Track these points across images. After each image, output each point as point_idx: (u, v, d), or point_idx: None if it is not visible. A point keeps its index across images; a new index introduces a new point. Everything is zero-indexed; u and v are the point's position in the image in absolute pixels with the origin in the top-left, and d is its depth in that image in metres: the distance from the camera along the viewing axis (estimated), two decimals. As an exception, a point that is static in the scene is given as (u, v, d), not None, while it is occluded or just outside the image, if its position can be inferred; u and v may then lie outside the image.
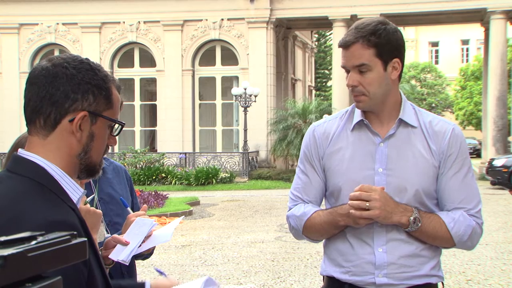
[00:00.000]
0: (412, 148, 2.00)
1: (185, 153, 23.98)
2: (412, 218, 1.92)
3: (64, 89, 1.32)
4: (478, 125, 40.82)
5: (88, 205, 1.97)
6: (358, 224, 1.94)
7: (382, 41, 1.92)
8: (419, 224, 1.93)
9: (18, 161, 1.35)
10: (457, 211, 1.99)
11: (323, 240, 2.15)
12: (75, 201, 1.35)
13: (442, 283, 2.08)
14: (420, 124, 2.02)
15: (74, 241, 0.74)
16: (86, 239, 0.75)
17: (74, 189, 1.36)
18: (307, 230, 2.08)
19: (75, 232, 0.75)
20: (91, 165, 1.39)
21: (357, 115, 2.05)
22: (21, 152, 1.36)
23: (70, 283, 1.19)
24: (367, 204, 1.88)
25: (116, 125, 1.43)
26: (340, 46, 1.98)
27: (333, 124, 2.11)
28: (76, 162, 1.37)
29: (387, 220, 1.91)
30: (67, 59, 1.35)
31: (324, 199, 2.16)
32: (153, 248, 2.28)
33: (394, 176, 1.97)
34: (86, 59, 1.39)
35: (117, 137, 1.47)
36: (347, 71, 1.98)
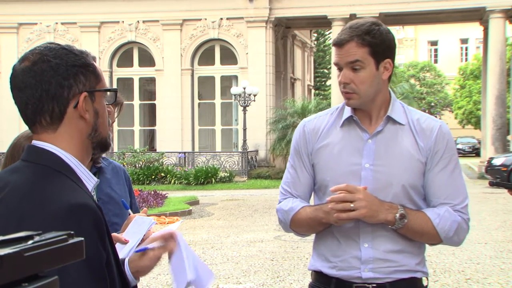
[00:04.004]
0: (399, 145, 2.03)
1: (184, 153, 23.98)
2: (398, 215, 1.94)
3: (56, 80, 1.33)
4: (477, 124, 40.85)
5: None
6: (337, 223, 1.97)
7: (376, 41, 1.96)
8: (405, 221, 1.95)
9: (32, 151, 1.36)
10: (442, 207, 2.01)
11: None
12: (89, 190, 1.38)
13: (427, 278, 2.11)
14: (408, 122, 2.06)
15: (71, 241, 0.73)
16: (83, 238, 0.75)
17: (88, 178, 1.39)
18: (294, 225, 2.13)
19: (72, 232, 0.75)
20: (102, 140, 1.43)
21: (347, 112, 2.09)
22: (35, 142, 1.37)
23: (92, 263, 1.23)
24: (352, 205, 1.90)
25: (109, 95, 1.47)
26: (334, 44, 2.02)
27: (323, 120, 2.15)
28: (88, 143, 1.40)
29: (374, 218, 1.94)
30: (43, 51, 1.35)
31: (313, 194, 2.19)
32: None
33: (381, 172, 2.00)
34: (56, 44, 1.39)
35: (114, 125, 1.50)
36: (340, 69, 2.02)
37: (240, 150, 23.75)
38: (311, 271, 2.18)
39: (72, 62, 1.35)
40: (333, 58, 2.04)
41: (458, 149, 43.88)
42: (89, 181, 1.39)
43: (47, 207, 1.25)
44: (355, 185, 1.95)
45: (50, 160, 1.33)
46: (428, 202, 2.05)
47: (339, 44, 1.99)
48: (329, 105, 24.70)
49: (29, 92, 1.33)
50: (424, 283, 2.10)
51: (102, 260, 1.28)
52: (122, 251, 2.11)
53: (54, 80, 1.32)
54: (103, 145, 1.45)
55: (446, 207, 2.01)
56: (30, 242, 0.69)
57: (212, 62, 26.04)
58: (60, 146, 1.35)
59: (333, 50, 2.04)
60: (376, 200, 1.94)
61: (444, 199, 2.02)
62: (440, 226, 1.98)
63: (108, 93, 1.47)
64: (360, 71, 1.97)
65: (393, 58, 2.04)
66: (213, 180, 21.12)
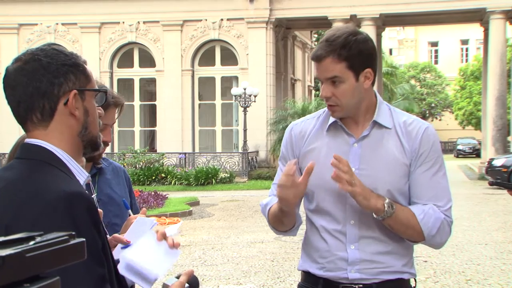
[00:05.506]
0: (385, 149, 2.04)
1: (185, 153, 23.98)
2: (386, 203, 1.95)
3: (47, 78, 1.37)
4: (477, 125, 40.86)
5: None
6: (284, 202, 1.97)
7: (353, 53, 1.95)
8: (394, 208, 1.96)
9: (25, 148, 1.41)
10: (427, 204, 2.02)
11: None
12: (81, 184, 1.41)
13: (415, 280, 2.12)
14: (395, 125, 2.06)
15: (72, 242, 0.74)
16: (84, 239, 0.76)
17: (80, 173, 1.43)
18: (270, 219, 2.18)
19: (73, 233, 0.75)
20: (93, 139, 1.46)
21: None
22: (27, 140, 1.41)
23: (89, 248, 1.24)
24: (354, 181, 1.91)
25: (100, 95, 1.51)
26: (312, 59, 2.03)
27: (310, 123, 2.17)
28: (79, 141, 1.43)
29: (366, 201, 1.94)
30: (35, 52, 1.40)
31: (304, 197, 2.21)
32: None
33: (366, 176, 2.00)
34: (47, 45, 1.44)
35: (115, 125, 1.54)
36: (321, 82, 2.04)
37: (240, 150, 23.76)
38: (300, 271, 2.21)
39: (63, 61, 1.39)
40: (314, 72, 2.07)
41: (459, 150, 43.98)
42: (81, 175, 1.42)
43: (41, 196, 1.28)
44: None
45: (42, 155, 1.37)
46: (412, 203, 2.05)
47: (316, 59, 1.99)
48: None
49: (21, 90, 1.37)
50: (412, 284, 2.11)
51: (98, 246, 1.31)
52: (124, 251, 2.11)
53: (45, 78, 1.36)
54: (94, 143, 1.47)
55: (431, 204, 2.01)
56: (32, 243, 0.69)
57: (212, 63, 26.05)
58: (52, 142, 1.38)
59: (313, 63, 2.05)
60: (367, 188, 1.96)
61: (427, 201, 2.02)
62: (424, 222, 1.98)
63: (98, 95, 1.50)
64: (340, 84, 1.98)
65: (373, 66, 2.03)
66: (214, 181, 21.13)
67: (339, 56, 1.94)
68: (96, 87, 1.49)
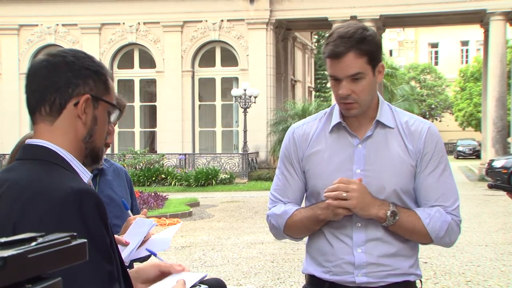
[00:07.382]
0: (389, 149, 2.02)
1: (185, 154, 23.99)
2: (389, 212, 1.94)
3: (66, 76, 1.38)
4: (477, 126, 40.88)
5: None
6: (337, 216, 1.96)
7: (372, 48, 1.94)
8: (397, 218, 1.95)
9: (27, 149, 1.40)
10: (434, 207, 2.01)
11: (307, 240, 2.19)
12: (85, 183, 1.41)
13: (421, 281, 2.12)
14: (397, 125, 2.05)
15: (74, 242, 0.74)
16: (86, 240, 0.75)
17: (83, 172, 1.42)
18: (288, 228, 2.11)
19: (75, 234, 0.75)
20: (95, 149, 1.45)
21: (335, 117, 2.07)
22: (29, 141, 1.40)
23: (98, 242, 1.28)
24: (344, 194, 1.90)
25: (114, 113, 1.50)
26: (329, 56, 1.96)
27: (312, 125, 2.14)
28: (82, 146, 1.43)
29: (364, 211, 1.93)
30: (64, 50, 1.43)
31: (304, 200, 2.18)
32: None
33: (372, 177, 1.99)
34: (79, 50, 1.46)
35: (115, 127, 1.52)
36: (336, 80, 1.97)
37: (240, 151, 23.76)
38: (305, 275, 2.18)
39: (87, 65, 1.40)
40: (329, 70, 1.98)
41: (459, 151, 44.00)
42: (84, 175, 1.42)
43: (49, 193, 1.28)
44: (349, 179, 1.95)
45: (45, 154, 1.37)
46: (419, 205, 2.04)
47: (335, 56, 1.94)
48: (329, 107, 24.69)
49: (39, 80, 1.39)
50: (418, 285, 2.11)
51: (107, 242, 1.31)
52: (123, 253, 2.12)
53: (64, 75, 1.38)
54: (95, 154, 1.46)
55: (437, 207, 2.00)
56: (34, 243, 0.69)
57: (212, 64, 26.06)
58: (55, 141, 1.38)
59: (328, 61, 1.98)
60: (369, 194, 1.94)
61: (434, 202, 2.01)
62: (430, 226, 1.98)
63: (114, 112, 1.49)
64: (361, 81, 1.95)
65: (382, 61, 2.03)
66: (214, 182, 21.13)
67: (361, 51, 1.92)
68: (114, 102, 1.47)
